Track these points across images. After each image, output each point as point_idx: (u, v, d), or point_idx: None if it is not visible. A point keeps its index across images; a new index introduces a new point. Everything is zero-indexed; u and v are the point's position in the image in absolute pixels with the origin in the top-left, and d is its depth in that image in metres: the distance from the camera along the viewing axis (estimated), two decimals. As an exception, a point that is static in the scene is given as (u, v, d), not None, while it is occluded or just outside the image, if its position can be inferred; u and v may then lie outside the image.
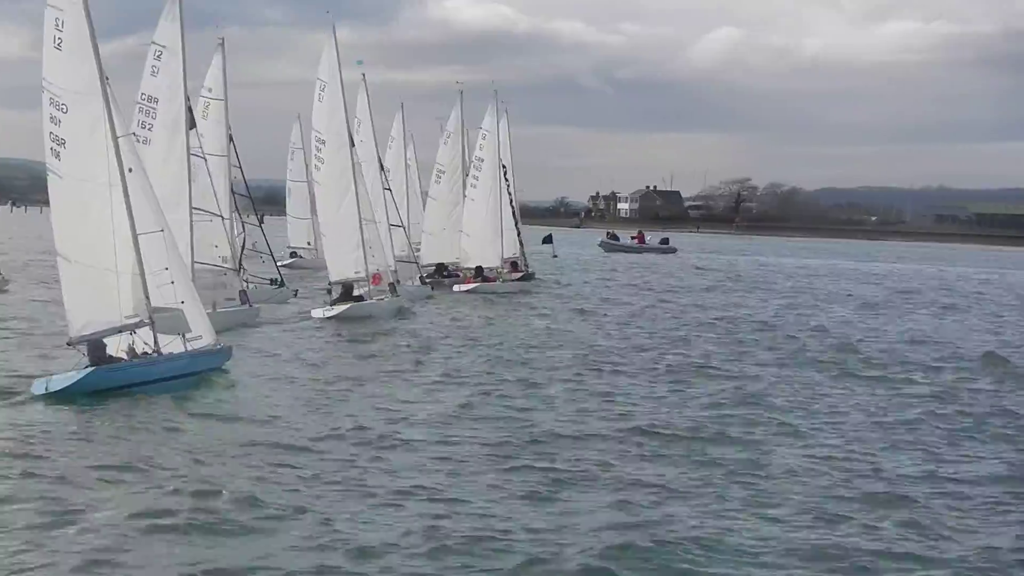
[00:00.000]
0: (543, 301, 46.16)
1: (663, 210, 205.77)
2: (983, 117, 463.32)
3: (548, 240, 74.28)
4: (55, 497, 14.08)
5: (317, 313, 36.31)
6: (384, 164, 52.16)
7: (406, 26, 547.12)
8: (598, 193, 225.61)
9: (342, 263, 38.37)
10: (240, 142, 40.43)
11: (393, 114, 63.91)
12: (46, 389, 20.72)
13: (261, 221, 45.06)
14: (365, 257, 38.67)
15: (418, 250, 51.33)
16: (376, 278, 39.17)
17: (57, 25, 21.99)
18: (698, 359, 29.43)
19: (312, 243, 66.12)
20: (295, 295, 41.86)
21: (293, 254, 65.10)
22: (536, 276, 53.81)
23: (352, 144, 39.88)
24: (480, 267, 49.45)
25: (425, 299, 44.65)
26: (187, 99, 31.74)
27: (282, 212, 71.38)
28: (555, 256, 71.48)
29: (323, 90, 39.34)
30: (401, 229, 50.95)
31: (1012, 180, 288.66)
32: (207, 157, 33.78)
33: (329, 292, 37.98)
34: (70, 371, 21.20)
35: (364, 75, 51.07)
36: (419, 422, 19.90)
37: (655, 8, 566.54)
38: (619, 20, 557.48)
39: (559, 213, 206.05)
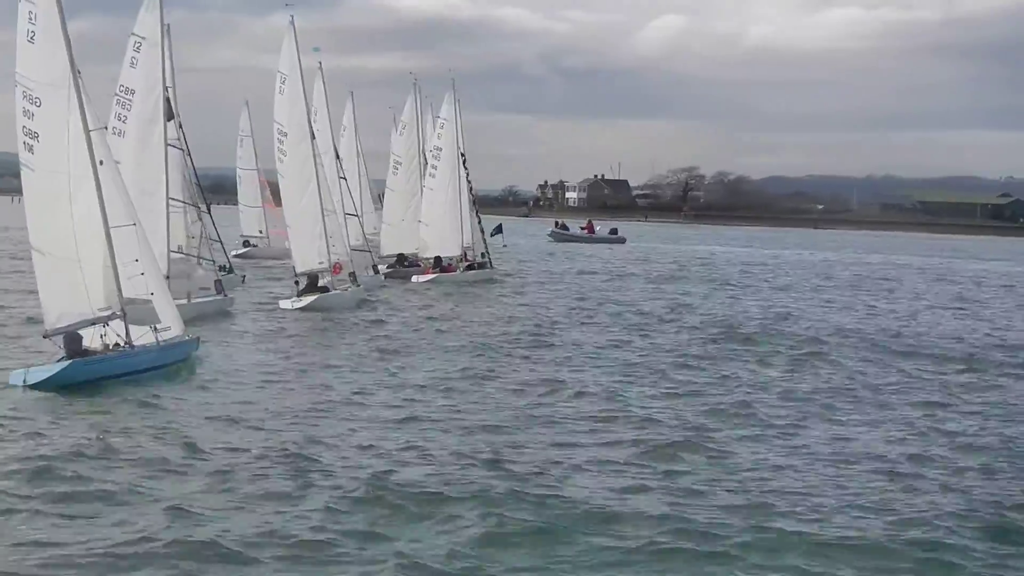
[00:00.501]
0: (502, 291, 46.86)
1: (611, 199, 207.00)
2: (928, 106, 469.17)
3: (498, 231, 74.48)
4: (39, 486, 14.49)
5: (285, 304, 36.68)
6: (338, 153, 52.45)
7: (351, 12, 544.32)
8: (546, 182, 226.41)
9: (307, 253, 38.75)
10: (186, 129, 40.57)
11: (343, 101, 64.28)
12: (24, 381, 21.07)
13: (208, 209, 45.15)
14: (328, 247, 39.10)
15: (372, 239, 51.77)
16: (336, 268, 39.59)
17: (30, 19, 22.25)
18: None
19: (264, 231, 66.33)
20: (243, 281, 42.33)
21: (246, 243, 65.27)
22: (491, 266, 53.76)
23: (313, 136, 40.24)
24: (439, 257, 49.79)
25: (379, 288, 45.06)
26: (165, 89, 31.92)
27: (230, 201, 71.32)
28: (504, 246, 71.84)
29: (283, 83, 39.56)
30: (356, 218, 51.38)
31: (956, 169, 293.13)
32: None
33: (296, 283, 38.28)
34: (48, 363, 21.53)
35: (320, 63, 51.48)
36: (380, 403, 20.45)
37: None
38: (564, 7, 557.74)
39: (507, 202, 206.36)
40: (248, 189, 67.97)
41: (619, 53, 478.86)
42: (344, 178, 50.61)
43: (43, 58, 22.35)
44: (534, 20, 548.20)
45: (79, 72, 22.71)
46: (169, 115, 31.67)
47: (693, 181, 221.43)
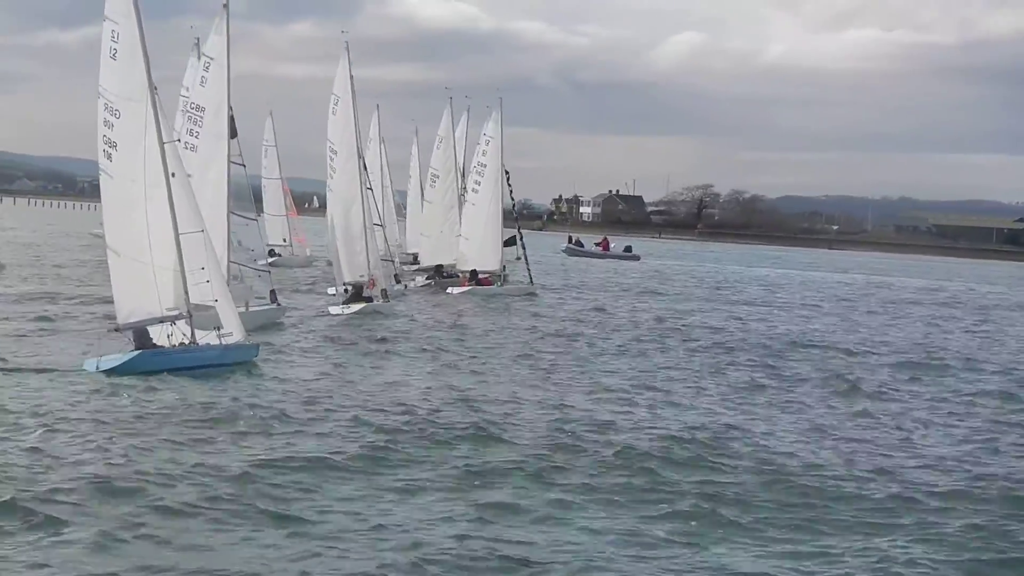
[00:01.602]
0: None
1: (625, 215, 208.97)
2: (943, 128, 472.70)
3: (511, 242, 74.55)
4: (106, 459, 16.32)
5: (335, 310, 38.48)
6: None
7: (369, 22, 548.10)
8: (560, 196, 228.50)
9: (352, 265, 40.79)
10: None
11: (367, 113, 66.08)
12: (97, 367, 23.17)
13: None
14: (368, 261, 41.25)
15: (394, 250, 53.72)
16: (372, 282, 41.65)
17: (113, 37, 24.24)
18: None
19: (288, 240, 68.11)
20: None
21: (271, 252, 67.02)
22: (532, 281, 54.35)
23: (360, 156, 42.44)
24: (475, 270, 51.45)
25: (400, 296, 46.84)
26: (230, 109, 33.76)
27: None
28: (518, 258, 72.06)
29: (336, 104, 42.18)
30: (381, 229, 53.30)
31: (973, 192, 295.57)
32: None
33: (346, 292, 40.27)
34: (119, 353, 23.59)
35: (352, 76, 53.28)
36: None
37: (617, 10, 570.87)
38: (581, 21, 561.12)
39: (521, 215, 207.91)
40: (272, 198, 69.69)
41: (636, 68, 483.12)
42: (371, 189, 52.50)
43: (123, 74, 24.31)
44: (551, 33, 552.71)
45: (155, 88, 24.66)
46: (233, 133, 33.52)
47: (708, 199, 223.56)
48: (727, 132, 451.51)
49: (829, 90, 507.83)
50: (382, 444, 18.44)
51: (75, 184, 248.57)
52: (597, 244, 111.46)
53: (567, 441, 19.41)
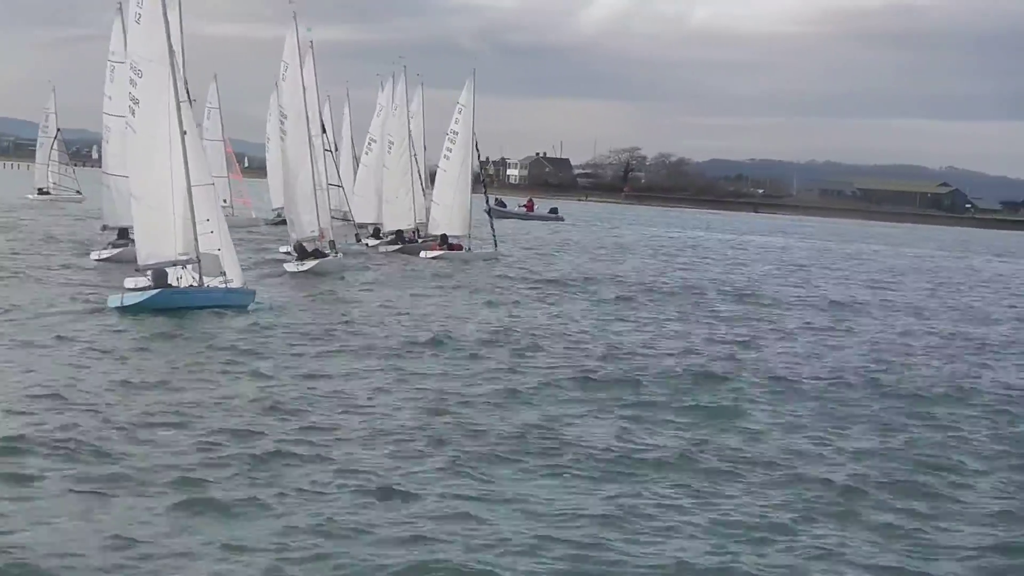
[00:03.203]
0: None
1: (552, 177, 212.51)
2: (869, 92, 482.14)
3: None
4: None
5: (291, 267, 41.45)
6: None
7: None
8: (488, 158, 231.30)
9: (302, 223, 43.83)
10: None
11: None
12: (121, 303, 26.64)
13: None
14: (319, 219, 44.41)
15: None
16: (322, 235, 44.94)
17: (138, 2, 27.39)
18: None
19: (229, 201, 70.32)
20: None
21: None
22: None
23: (308, 119, 45.53)
24: (445, 235, 54.45)
25: (359, 254, 50.00)
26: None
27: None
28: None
29: (286, 70, 45.33)
30: (340, 189, 56.43)
31: (899, 156, 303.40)
32: (113, 118, 41.09)
33: (297, 249, 43.24)
34: (140, 290, 27.22)
35: (312, 42, 56.27)
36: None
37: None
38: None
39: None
40: (214, 160, 71.88)
41: (563, 31, 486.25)
42: (329, 150, 55.62)
43: (145, 37, 27.54)
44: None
45: (173, 51, 27.84)
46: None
47: (635, 162, 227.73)
48: (654, 96, 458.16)
49: (756, 54, 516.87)
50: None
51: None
52: (522, 206, 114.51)
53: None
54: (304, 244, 43.13)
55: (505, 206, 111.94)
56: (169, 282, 28.25)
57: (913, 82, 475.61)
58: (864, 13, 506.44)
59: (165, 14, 27.69)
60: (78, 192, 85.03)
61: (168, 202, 27.83)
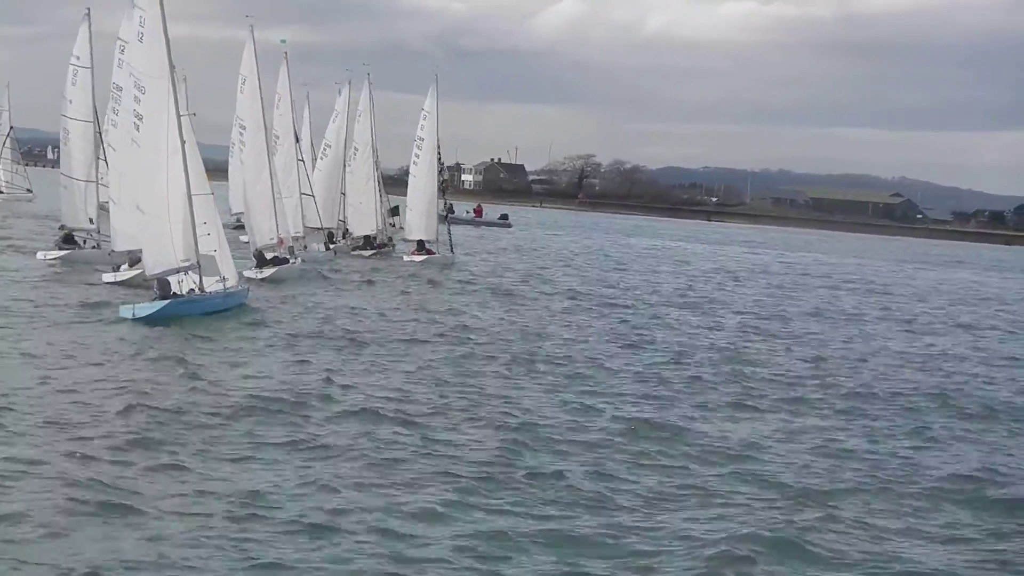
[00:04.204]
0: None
1: (507, 183, 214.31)
2: (822, 102, 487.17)
3: (396, 211, 77.16)
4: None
5: (250, 274, 42.88)
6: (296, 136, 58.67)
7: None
8: (443, 164, 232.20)
9: (260, 232, 45.41)
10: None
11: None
12: (133, 315, 28.14)
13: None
14: (277, 226, 46.12)
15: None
16: (280, 242, 46.90)
17: (140, 22, 29.15)
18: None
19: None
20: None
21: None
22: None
23: (266, 129, 47.36)
24: (421, 240, 56.48)
25: (329, 261, 51.79)
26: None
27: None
28: (400, 228, 75.34)
29: (244, 83, 47.16)
30: (312, 198, 58.10)
31: (852, 166, 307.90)
32: (73, 122, 44.11)
33: (256, 257, 44.56)
34: (150, 302, 28.93)
35: (286, 53, 57.82)
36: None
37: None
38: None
39: (404, 183, 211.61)
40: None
41: (517, 36, 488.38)
42: (302, 160, 57.24)
43: (148, 54, 29.23)
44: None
45: (174, 67, 29.57)
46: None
47: (589, 169, 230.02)
48: (609, 102, 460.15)
49: (710, 62, 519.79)
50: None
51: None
52: (472, 212, 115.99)
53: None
54: (263, 252, 44.68)
55: (453, 211, 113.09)
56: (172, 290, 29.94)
57: (866, 92, 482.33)
58: (816, 23, 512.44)
59: (165, 31, 29.43)
60: (28, 191, 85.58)
61: (171, 212, 29.54)
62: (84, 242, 45.02)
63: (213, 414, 18.86)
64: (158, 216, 29.44)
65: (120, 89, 36.96)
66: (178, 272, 29.91)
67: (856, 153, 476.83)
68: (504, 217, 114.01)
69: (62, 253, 43.36)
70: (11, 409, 18.11)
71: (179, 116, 29.45)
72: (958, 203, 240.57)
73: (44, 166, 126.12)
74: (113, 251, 38.28)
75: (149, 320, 28.10)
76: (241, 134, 47.28)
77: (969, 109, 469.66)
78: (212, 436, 17.53)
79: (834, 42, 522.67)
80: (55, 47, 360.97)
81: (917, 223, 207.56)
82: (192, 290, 30.09)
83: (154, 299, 29.23)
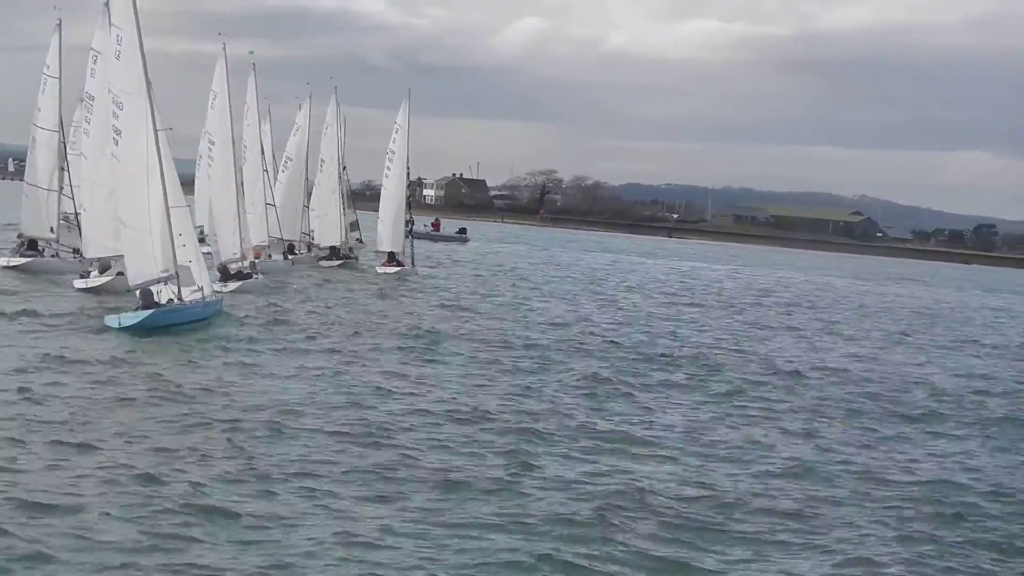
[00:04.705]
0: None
1: (469, 198, 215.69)
2: (783, 120, 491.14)
3: (355, 226, 77.72)
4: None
5: (216, 287, 43.76)
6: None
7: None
8: (410, 179, 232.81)
9: (226, 246, 46.38)
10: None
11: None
12: (119, 324, 29.28)
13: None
14: (241, 240, 47.22)
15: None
16: (255, 253, 48.17)
17: (118, 40, 30.18)
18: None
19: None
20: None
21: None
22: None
23: (234, 143, 48.34)
24: (392, 252, 57.81)
25: (290, 272, 52.97)
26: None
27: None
28: (360, 242, 76.24)
29: (215, 99, 48.21)
30: (274, 208, 59.11)
31: (813, 184, 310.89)
32: (41, 131, 45.19)
33: (220, 271, 45.05)
34: (135, 311, 30.01)
35: (254, 64, 58.83)
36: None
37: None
38: (425, 4, 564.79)
39: (366, 196, 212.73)
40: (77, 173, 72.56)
41: (479, 53, 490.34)
42: (267, 171, 58.26)
43: (125, 71, 30.28)
44: (394, 15, 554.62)
45: (150, 84, 30.61)
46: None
47: (551, 184, 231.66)
48: (571, 119, 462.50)
49: (672, 80, 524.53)
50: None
51: None
52: (429, 226, 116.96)
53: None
54: (227, 266, 45.59)
55: (414, 224, 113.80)
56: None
57: (827, 111, 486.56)
58: (777, 42, 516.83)
59: (142, 48, 30.43)
60: None
61: (152, 224, 30.54)
62: (43, 251, 45.56)
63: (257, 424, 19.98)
64: (140, 229, 30.44)
65: (92, 99, 38.27)
66: (158, 283, 30.91)
67: (817, 171, 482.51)
68: (462, 231, 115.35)
69: (24, 261, 43.98)
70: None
71: (156, 131, 30.46)
72: (918, 222, 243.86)
73: (3, 178, 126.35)
74: (83, 258, 39.40)
75: (133, 330, 29.08)
76: (210, 149, 48.30)
77: (929, 128, 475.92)
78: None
79: (795, 61, 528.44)
80: (20, 59, 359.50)
81: (877, 241, 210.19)
82: (171, 300, 31.09)
83: (137, 309, 30.25)
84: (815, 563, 14.76)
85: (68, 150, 59.45)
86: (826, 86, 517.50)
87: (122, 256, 32.68)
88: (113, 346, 27.03)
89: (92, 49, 39.40)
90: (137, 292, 30.71)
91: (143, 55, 30.47)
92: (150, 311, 29.99)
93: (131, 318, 29.48)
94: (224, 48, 48.14)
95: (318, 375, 25.23)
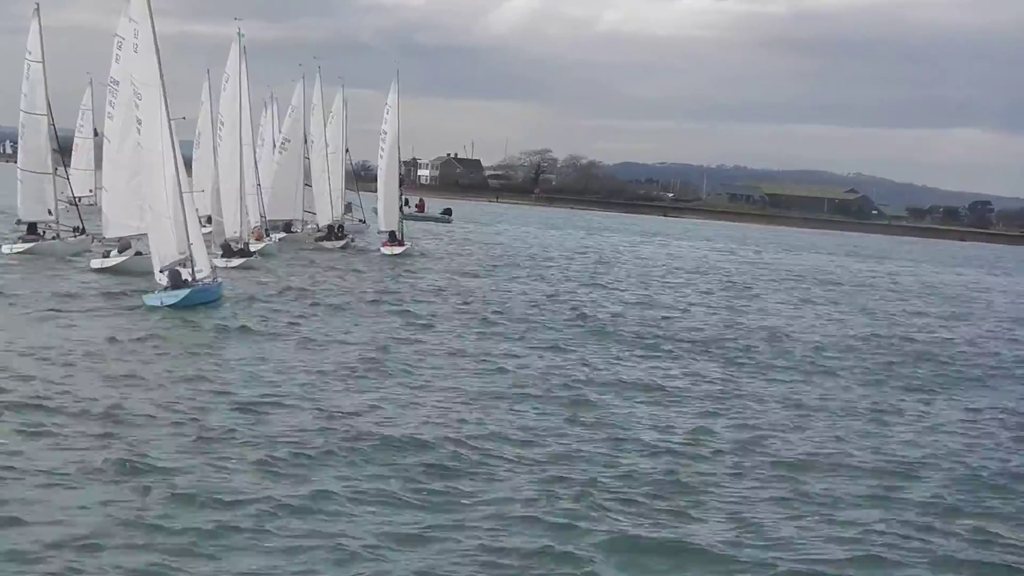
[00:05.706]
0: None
1: (463, 178, 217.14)
2: (778, 98, 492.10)
3: (349, 208, 79.33)
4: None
5: (219, 263, 45.85)
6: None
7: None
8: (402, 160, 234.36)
9: (228, 224, 48.90)
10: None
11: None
12: (161, 303, 31.77)
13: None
14: (242, 221, 49.65)
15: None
16: (258, 234, 51.01)
17: (135, 34, 32.39)
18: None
19: (93, 191, 71.73)
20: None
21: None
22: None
23: (241, 125, 50.60)
24: (393, 232, 60.15)
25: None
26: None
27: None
28: (361, 221, 78.05)
29: (227, 81, 50.39)
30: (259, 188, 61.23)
31: (808, 162, 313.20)
32: (29, 116, 46.28)
33: (223, 248, 47.67)
34: (166, 291, 32.55)
35: (244, 46, 60.89)
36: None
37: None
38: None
39: (361, 177, 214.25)
40: (81, 155, 74.12)
41: (473, 32, 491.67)
42: (255, 150, 60.37)
43: (143, 64, 32.56)
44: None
45: (163, 75, 32.88)
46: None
47: (545, 164, 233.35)
48: (565, 98, 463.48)
49: (666, 58, 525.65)
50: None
51: None
52: (414, 206, 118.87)
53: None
54: (231, 243, 47.97)
55: (409, 205, 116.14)
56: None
57: (821, 89, 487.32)
58: (771, 20, 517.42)
59: (156, 42, 32.73)
60: None
61: (168, 209, 32.92)
62: (44, 233, 46.79)
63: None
64: (162, 213, 32.84)
65: (117, 83, 40.33)
66: (179, 264, 33.37)
67: (812, 149, 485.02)
68: (447, 212, 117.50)
69: (27, 245, 45.24)
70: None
71: (170, 120, 32.76)
72: (913, 199, 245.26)
73: (5, 161, 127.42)
74: (103, 238, 41.27)
75: (175, 307, 31.58)
76: (219, 130, 50.89)
77: (924, 106, 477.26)
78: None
79: (789, 39, 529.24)
80: (9, 41, 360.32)
81: (873, 219, 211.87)
82: (186, 280, 33.46)
83: (165, 289, 32.77)
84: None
85: (76, 133, 61.70)
86: (820, 64, 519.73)
87: (142, 235, 35.11)
88: (167, 325, 29.38)
89: (116, 35, 41.41)
90: (165, 272, 33.08)
91: (158, 51, 32.77)
92: (188, 290, 32.54)
93: (172, 297, 32.04)
94: (239, 32, 50.32)
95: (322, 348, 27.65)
